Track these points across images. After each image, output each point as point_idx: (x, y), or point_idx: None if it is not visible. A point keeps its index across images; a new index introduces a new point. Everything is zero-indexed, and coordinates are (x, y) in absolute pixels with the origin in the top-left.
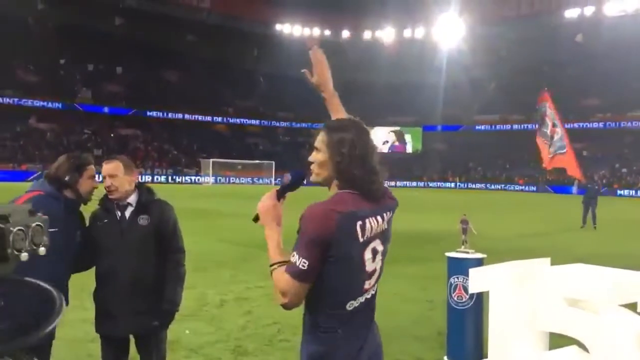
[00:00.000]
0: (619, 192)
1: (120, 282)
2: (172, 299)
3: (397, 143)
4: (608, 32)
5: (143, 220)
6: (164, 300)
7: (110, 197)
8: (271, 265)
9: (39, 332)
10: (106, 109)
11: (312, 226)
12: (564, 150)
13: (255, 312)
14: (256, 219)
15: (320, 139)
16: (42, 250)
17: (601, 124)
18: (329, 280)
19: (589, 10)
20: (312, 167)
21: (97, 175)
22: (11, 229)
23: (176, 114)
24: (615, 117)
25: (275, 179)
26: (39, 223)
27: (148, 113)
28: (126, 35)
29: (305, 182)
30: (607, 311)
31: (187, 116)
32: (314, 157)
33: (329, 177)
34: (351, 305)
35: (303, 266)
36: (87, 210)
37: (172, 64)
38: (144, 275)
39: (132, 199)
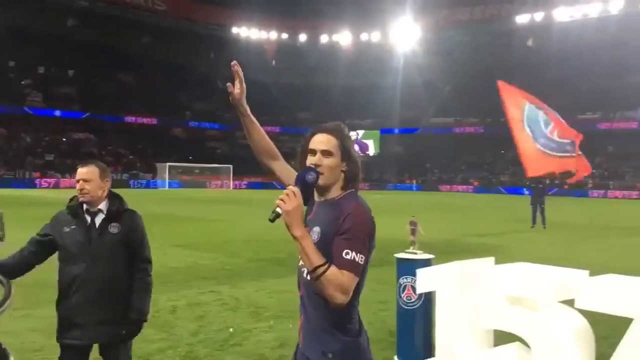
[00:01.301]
0: (569, 192)
1: (88, 290)
2: (140, 308)
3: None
4: (558, 37)
5: (114, 228)
6: (132, 309)
7: (81, 199)
8: (319, 267)
9: None
10: (58, 113)
11: (363, 222)
12: (573, 153)
13: (208, 317)
14: (274, 218)
15: (332, 144)
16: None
17: None
18: (364, 273)
19: (539, 16)
20: (322, 170)
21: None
22: None
23: (131, 118)
24: (565, 120)
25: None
26: None
27: (102, 116)
28: (79, 36)
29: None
30: (547, 308)
31: (142, 120)
32: (327, 161)
33: (335, 181)
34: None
35: (361, 261)
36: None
37: (126, 67)
38: (112, 284)
39: (103, 205)
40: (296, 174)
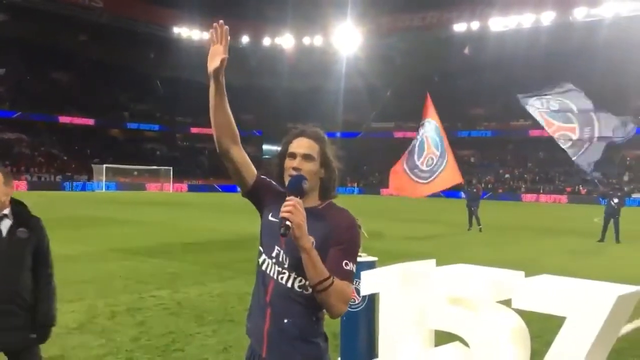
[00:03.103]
0: (503, 196)
1: None
2: (48, 313)
3: None
4: (493, 45)
5: (22, 233)
6: (39, 314)
7: None
8: (327, 279)
9: None
10: None
11: (358, 235)
12: (443, 166)
13: (148, 322)
14: (286, 232)
15: (314, 149)
16: None
17: (487, 132)
18: None
19: (475, 25)
20: (304, 175)
21: None
22: None
23: (66, 118)
24: (499, 126)
25: (177, 184)
26: None
27: (34, 116)
28: (10, 33)
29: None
30: (485, 308)
31: (78, 120)
32: (308, 165)
33: (314, 187)
34: None
35: (354, 271)
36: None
37: (61, 65)
38: (21, 289)
39: (7, 211)
40: (252, 165)
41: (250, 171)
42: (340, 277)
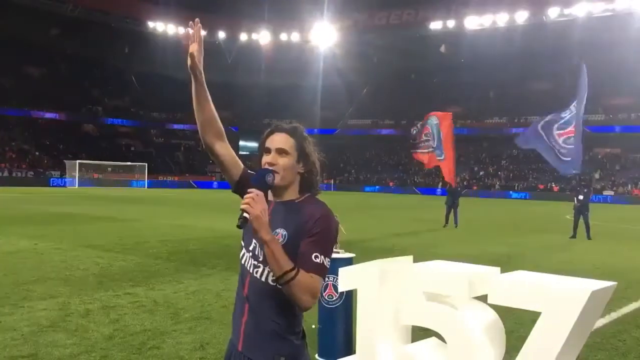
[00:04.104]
0: (477, 193)
1: None
2: None
3: None
4: (468, 44)
5: None
6: None
7: None
8: (290, 271)
9: None
10: None
11: (333, 227)
12: (442, 157)
13: (123, 320)
14: (242, 224)
15: (288, 143)
16: None
17: (463, 130)
18: None
19: (451, 23)
20: (277, 169)
21: None
22: None
23: (38, 112)
24: (475, 124)
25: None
26: None
27: (5, 111)
28: None
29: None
30: (461, 304)
31: (50, 115)
32: (282, 160)
33: (291, 181)
34: None
35: (327, 265)
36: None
37: (33, 59)
38: None
39: None
40: (238, 160)
41: (237, 167)
42: (307, 270)
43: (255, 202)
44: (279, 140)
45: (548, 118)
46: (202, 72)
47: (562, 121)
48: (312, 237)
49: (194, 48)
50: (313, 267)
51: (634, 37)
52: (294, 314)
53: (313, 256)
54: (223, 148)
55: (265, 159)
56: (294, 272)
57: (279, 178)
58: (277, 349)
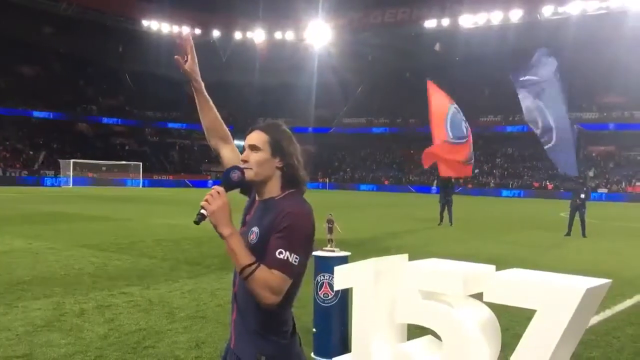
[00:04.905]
0: (472, 191)
1: None
2: None
3: None
4: (463, 42)
5: None
6: None
7: None
8: (249, 266)
9: None
10: None
11: (304, 224)
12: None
13: (118, 319)
14: (199, 220)
15: (260, 139)
16: None
17: None
18: (301, 276)
19: (445, 22)
20: (250, 165)
21: None
22: None
23: (32, 112)
24: (469, 122)
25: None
26: None
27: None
28: None
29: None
30: (457, 302)
31: (44, 114)
32: (254, 156)
33: (268, 177)
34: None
35: (295, 262)
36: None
37: (27, 58)
38: None
39: None
40: None
41: None
42: (269, 266)
43: (213, 198)
44: (252, 137)
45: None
46: (199, 80)
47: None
48: (279, 233)
49: (188, 64)
50: (275, 263)
51: (628, 35)
52: (277, 313)
53: (277, 252)
54: (227, 150)
55: (242, 156)
56: (252, 267)
57: (252, 174)
58: (259, 348)
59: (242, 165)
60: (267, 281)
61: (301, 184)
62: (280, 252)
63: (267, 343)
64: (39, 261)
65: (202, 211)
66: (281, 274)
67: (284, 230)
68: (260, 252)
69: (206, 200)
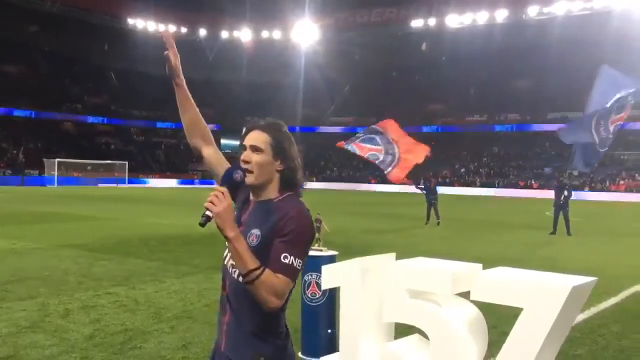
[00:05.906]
0: (458, 190)
1: None
2: None
3: None
4: (449, 42)
5: None
6: None
7: None
8: (254, 270)
9: None
10: None
11: (305, 227)
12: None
13: (104, 319)
14: (205, 222)
15: (262, 139)
16: None
17: (444, 128)
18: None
19: (432, 21)
20: (251, 167)
21: None
22: None
23: (16, 110)
24: (455, 122)
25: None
26: None
27: None
28: None
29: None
30: (444, 300)
31: (28, 113)
32: (256, 157)
33: (269, 180)
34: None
35: (298, 266)
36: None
37: (11, 56)
38: None
39: None
40: (226, 162)
41: (222, 166)
42: (274, 270)
43: (218, 199)
44: (253, 137)
45: (608, 105)
46: (181, 76)
47: (618, 105)
48: (283, 237)
49: (170, 55)
50: (280, 267)
51: (612, 35)
52: (274, 314)
53: (282, 256)
54: (209, 151)
55: (241, 156)
56: (258, 271)
57: (253, 177)
58: (257, 349)
59: (243, 166)
60: (273, 286)
61: (298, 186)
62: (285, 257)
63: (264, 344)
64: (23, 262)
65: (207, 212)
66: (286, 278)
67: (288, 235)
68: (261, 254)
69: (211, 202)
